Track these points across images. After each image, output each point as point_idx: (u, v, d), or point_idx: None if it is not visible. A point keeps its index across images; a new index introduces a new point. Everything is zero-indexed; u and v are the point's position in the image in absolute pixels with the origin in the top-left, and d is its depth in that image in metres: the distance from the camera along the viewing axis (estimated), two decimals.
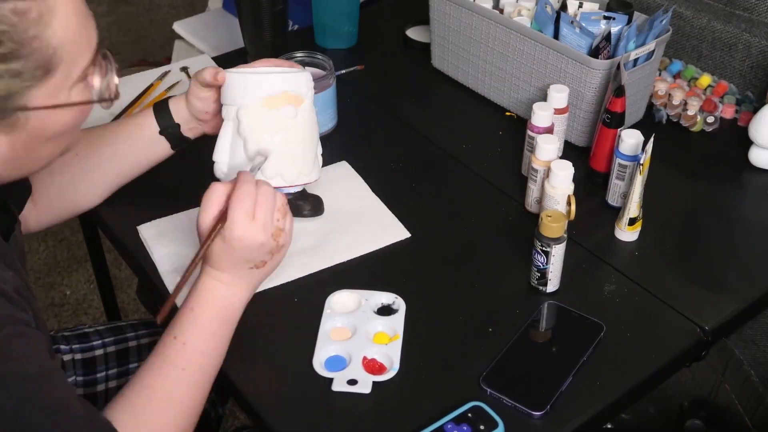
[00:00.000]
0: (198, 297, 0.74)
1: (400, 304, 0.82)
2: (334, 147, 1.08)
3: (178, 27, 1.68)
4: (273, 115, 0.82)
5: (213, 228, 0.72)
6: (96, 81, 0.64)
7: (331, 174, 0.99)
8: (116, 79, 0.66)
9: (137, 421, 0.67)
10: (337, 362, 0.77)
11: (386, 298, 0.83)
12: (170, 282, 0.86)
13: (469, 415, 0.71)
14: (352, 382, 0.75)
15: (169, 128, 0.90)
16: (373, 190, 1.00)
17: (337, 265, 0.88)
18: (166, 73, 1.20)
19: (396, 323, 0.80)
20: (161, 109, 0.90)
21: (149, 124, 0.90)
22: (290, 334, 0.81)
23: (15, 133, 0.59)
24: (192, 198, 0.82)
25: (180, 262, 0.87)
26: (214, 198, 0.73)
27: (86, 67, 0.62)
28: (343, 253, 0.89)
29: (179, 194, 0.95)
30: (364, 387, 0.74)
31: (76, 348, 0.96)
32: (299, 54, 1.08)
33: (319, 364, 0.77)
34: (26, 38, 0.56)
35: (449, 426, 0.70)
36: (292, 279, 0.86)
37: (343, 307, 0.82)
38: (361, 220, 0.94)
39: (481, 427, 0.70)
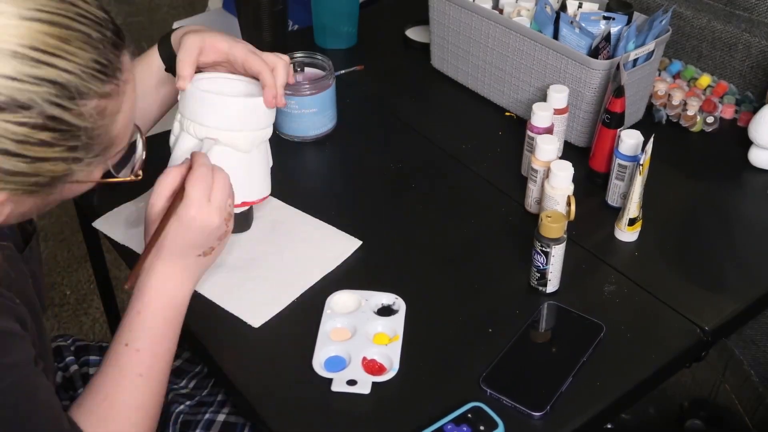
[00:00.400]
0: (143, 299, 0.73)
1: (400, 304, 0.82)
2: (334, 147, 1.09)
3: (178, 27, 1.68)
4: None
5: (170, 206, 0.72)
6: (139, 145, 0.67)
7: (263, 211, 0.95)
8: (143, 155, 0.69)
9: (104, 428, 0.68)
10: (336, 363, 0.77)
11: (386, 298, 0.83)
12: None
13: (469, 415, 0.71)
14: (352, 382, 0.74)
15: (173, 62, 0.84)
16: (373, 190, 1.00)
17: (337, 266, 0.88)
18: None
19: (396, 324, 0.80)
20: (164, 43, 0.87)
21: (155, 60, 0.87)
22: (290, 335, 0.81)
23: (45, 197, 0.61)
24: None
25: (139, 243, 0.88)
26: (167, 180, 0.73)
27: (122, 149, 0.65)
28: (305, 279, 0.86)
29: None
30: (364, 387, 0.74)
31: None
32: (299, 54, 1.08)
33: (318, 364, 0.76)
34: (97, 133, 0.59)
35: (449, 427, 0.70)
36: (273, 314, 0.82)
37: (343, 308, 0.82)
38: (312, 242, 0.91)
39: (481, 428, 0.70)
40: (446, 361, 0.78)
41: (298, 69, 1.08)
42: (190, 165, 0.74)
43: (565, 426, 0.72)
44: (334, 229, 0.92)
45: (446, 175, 1.03)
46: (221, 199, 0.73)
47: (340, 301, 0.83)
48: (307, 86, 1.03)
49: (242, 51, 0.82)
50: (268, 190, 0.87)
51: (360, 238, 0.91)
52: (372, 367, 0.76)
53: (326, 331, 0.80)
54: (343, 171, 1.06)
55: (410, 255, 0.90)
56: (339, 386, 0.74)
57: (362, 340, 0.78)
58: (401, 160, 1.06)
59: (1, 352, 0.59)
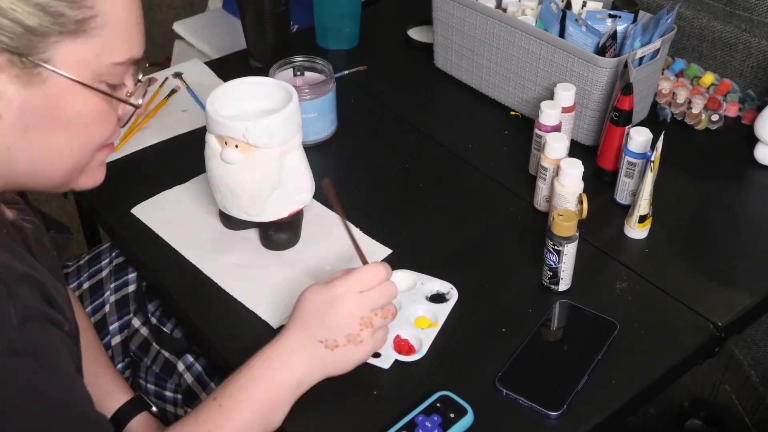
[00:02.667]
0: (252, 366, 0.71)
1: (453, 294, 0.83)
2: (339, 149, 1.08)
3: (178, 27, 1.67)
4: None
5: (360, 252, 0.75)
6: (128, 82, 0.63)
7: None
8: (140, 101, 0.65)
9: None
10: None
11: (442, 286, 0.84)
12: (189, 255, 0.89)
13: (438, 404, 0.71)
14: (376, 354, 0.76)
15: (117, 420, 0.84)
16: (381, 192, 1.00)
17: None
18: (165, 80, 1.19)
19: (440, 312, 0.81)
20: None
21: None
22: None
23: (31, 88, 0.57)
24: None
25: (183, 233, 0.91)
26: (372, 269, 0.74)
27: (118, 64, 0.61)
28: None
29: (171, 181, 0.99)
30: (385, 362, 0.75)
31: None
32: (298, 58, 1.07)
33: None
34: None
35: (420, 418, 0.70)
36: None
37: (398, 286, 0.82)
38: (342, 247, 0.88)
39: (451, 415, 0.70)
40: (460, 360, 0.77)
41: (298, 73, 1.07)
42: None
43: (583, 425, 0.72)
44: (365, 236, 0.91)
45: (453, 175, 1.03)
46: (371, 300, 0.72)
47: (398, 279, 0.84)
48: (307, 91, 1.03)
49: None
50: (309, 197, 0.89)
51: (366, 241, 0.90)
52: (402, 346, 0.77)
53: None
54: (349, 172, 1.06)
55: (419, 256, 0.89)
56: None
57: (403, 319, 0.79)
58: (407, 161, 1.05)
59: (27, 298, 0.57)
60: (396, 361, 0.76)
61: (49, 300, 0.60)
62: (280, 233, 0.89)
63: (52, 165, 0.62)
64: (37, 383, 0.55)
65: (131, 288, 0.96)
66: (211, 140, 0.84)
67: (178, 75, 1.19)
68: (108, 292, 0.97)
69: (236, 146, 0.81)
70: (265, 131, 0.81)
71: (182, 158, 1.01)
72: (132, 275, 0.97)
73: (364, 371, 0.75)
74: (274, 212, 0.86)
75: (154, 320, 0.95)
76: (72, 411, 0.59)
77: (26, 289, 0.57)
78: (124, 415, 0.83)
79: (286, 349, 0.71)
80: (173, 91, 1.16)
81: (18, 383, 0.54)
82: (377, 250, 0.89)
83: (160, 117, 1.11)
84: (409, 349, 0.77)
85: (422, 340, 0.78)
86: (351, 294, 0.71)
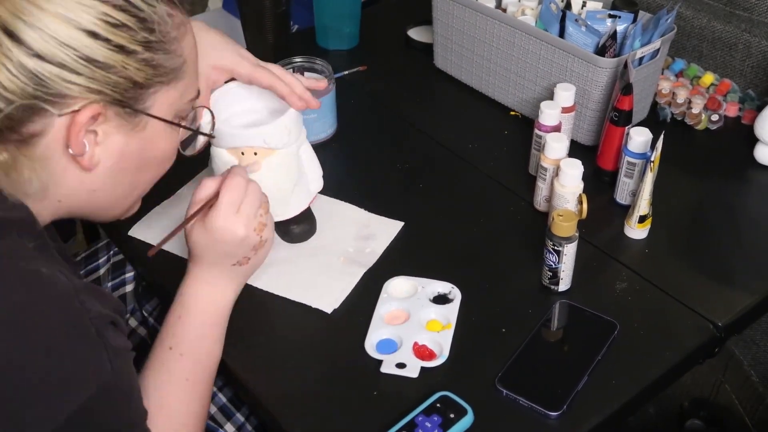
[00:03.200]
0: (184, 304, 0.74)
1: (456, 294, 0.83)
2: (339, 149, 1.08)
3: None
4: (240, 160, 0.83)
5: (205, 203, 0.74)
6: (206, 117, 0.70)
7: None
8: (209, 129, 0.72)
9: None
10: (388, 345, 0.78)
11: (443, 287, 0.84)
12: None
13: (438, 405, 0.71)
14: (401, 365, 0.76)
15: None
16: (380, 192, 1.00)
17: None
18: None
19: (450, 312, 0.81)
20: None
21: None
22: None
23: (132, 135, 0.62)
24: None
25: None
26: (202, 192, 0.75)
27: (193, 100, 0.67)
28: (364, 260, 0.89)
29: (172, 188, 0.97)
30: (413, 371, 0.75)
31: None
32: (298, 59, 1.07)
33: (370, 345, 0.78)
34: (170, 38, 0.62)
35: (420, 418, 0.70)
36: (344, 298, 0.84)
37: (400, 293, 0.84)
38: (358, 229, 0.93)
39: (451, 416, 0.70)
40: (460, 360, 0.77)
41: (298, 73, 1.07)
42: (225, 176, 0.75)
43: (583, 425, 0.72)
44: (373, 215, 0.94)
45: (453, 175, 1.03)
46: (250, 211, 0.74)
47: (398, 286, 0.84)
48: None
49: (247, 68, 0.83)
50: (321, 183, 0.90)
51: None
52: (422, 352, 0.77)
53: (381, 314, 0.81)
54: (349, 172, 1.06)
55: (419, 257, 0.89)
56: (388, 368, 0.75)
57: (415, 326, 0.80)
58: (407, 161, 1.05)
59: (113, 337, 0.60)
60: (422, 368, 0.76)
61: (117, 309, 0.62)
62: (302, 225, 0.90)
63: (126, 200, 0.68)
64: (129, 412, 0.62)
65: (129, 288, 0.97)
66: (221, 154, 0.82)
67: None
68: None
69: (255, 153, 0.81)
70: (284, 131, 0.82)
71: (180, 164, 1.00)
72: (129, 274, 0.97)
73: (365, 372, 0.75)
74: (297, 207, 0.87)
75: (151, 320, 0.95)
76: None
77: (110, 329, 0.60)
78: None
79: (210, 283, 0.75)
80: None
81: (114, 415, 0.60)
82: (390, 225, 0.93)
83: None
84: (430, 355, 0.77)
85: (440, 343, 0.78)
86: (231, 220, 0.73)
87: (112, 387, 0.58)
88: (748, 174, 1.03)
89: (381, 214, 0.96)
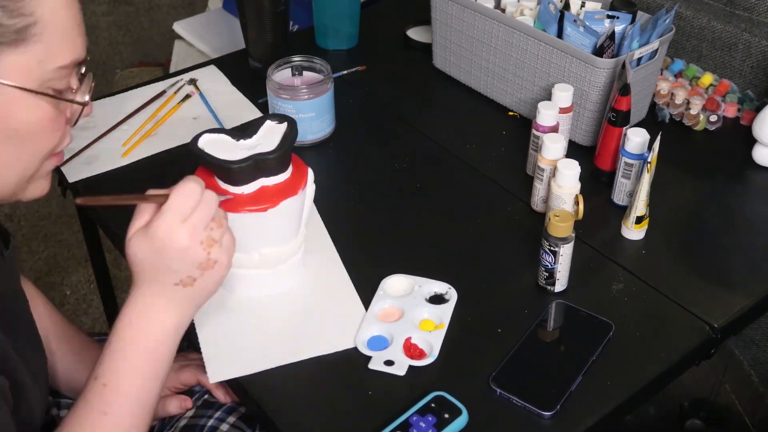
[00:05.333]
0: (116, 330, 0.66)
1: (452, 294, 0.83)
2: (336, 149, 1.08)
3: (178, 27, 1.68)
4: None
5: (154, 197, 0.66)
6: (73, 83, 0.61)
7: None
8: (87, 98, 0.63)
9: None
10: (379, 342, 0.79)
11: (440, 287, 0.84)
12: None
13: (432, 405, 0.71)
14: (389, 362, 0.76)
15: None
16: (378, 191, 1.00)
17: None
18: (176, 83, 1.19)
19: (444, 313, 0.81)
20: None
21: None
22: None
23: None
24: None
25: None
26: (188, 185, 0.66)
27: (62, 68, 0.59)
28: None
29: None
30: (400, 369, 0.75)
31: None
32: (297, 59, 1.08)
33: (361, 342, 0.78)
34: None
35: (414, 418, 0.70)
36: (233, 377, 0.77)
37: (396, 291, 0.84)
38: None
39: (446, 416, 0.70)
40: (455, 360, 0.77)
41: (296, 73, 1.07)
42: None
43: (576, 426, 0.72)
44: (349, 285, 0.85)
45: (451, 176, 1.03)
46: (199, 220, 0.65)
47: (395, 284, 0.84)
48: (305, 90, 1.03)
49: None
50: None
51: (364, 240, 0.91)
52: (412, 350, 0.77)
53: (374, 311, 0.81)
54: (346, 173, 1.06)
55: (416, 257, 0.89)
56: (376, 365, 0.76)
57: (408, 324, 0.80)
58: (405, 161, 1.05)
59: None
60: (410, 366, 0.76)
61: None
62: None
63: (7, 178, 0.61)
64: None
65: None
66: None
67: (192, 81, 1.19)
68: None
69: None
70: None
71: (187, 169, 0.99)
72: None
73: (355, 368, 0.75)
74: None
75: None
76: None
77: None
78: None
79: (146, 304, 0.66)
80: (187, 97, 1.16)
81: None
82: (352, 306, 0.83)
83: (171, 124, 1.10)
84: (420, 354, 0.77)
85: (431, 343, 0.78)
86: (175, 228, 0.64)
87: None
88: (746, 175, 1.03)
89: (379, 214, 0.96)
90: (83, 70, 0.63)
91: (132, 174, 1.02)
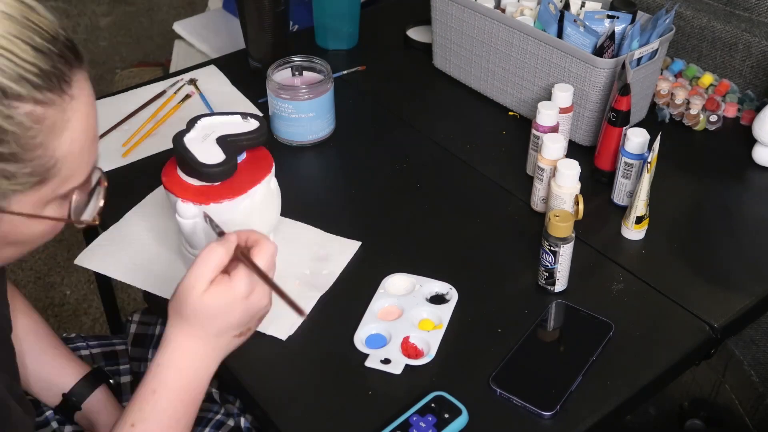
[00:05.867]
0: (161, 377, 0.65)
1: (453, 295, 0.83)
2: (337, 149, 1.08)
3: (178, 27, 1.68)
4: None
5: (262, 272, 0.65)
6: (76, 196, 0.60)
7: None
8: (101, 203, 0.62)
9: None
10: (377, 340, 0.79)
11: (440, 287, 0.84)
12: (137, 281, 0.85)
13: (432, 405, 0.72)
14: (386, 361, 0.76)
15: (73, 397, 0.83)
16: (378, 191, 1.00)
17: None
18: (176, 83, 1.19)
19: (444, 313, 0.81)
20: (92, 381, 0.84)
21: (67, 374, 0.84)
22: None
23: None
24: None
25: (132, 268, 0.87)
26: (213, 259, 0.65)
27: (76, 187, 0.59)
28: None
29: (119, 213, 0.95)
30: (396, 368, 0.75)
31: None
32: (297, 58, 1.08)
33: (359, 339, 0.78)
34: (32, 144, 0.53)
35: (414, 418, 0.70)
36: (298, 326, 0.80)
37: (397, 290, 0.84)
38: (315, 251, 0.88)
39: (446, 416, 0.71)
40: (455, 360, 0.77)
41: (296, 73, 1.07)
42: (240, 242, 0.67)
43: (576, 426, 0.72)
44: (331, 235, 0.91)
45: (451, 176, 1.03)
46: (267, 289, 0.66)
47: (396, 283, 0.84)
48: (305, 90, 1.03)
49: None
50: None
51: (364, 240, 0.90)
52: (410, 350, 0.78)
53: (374, 309, 0.81)
54: (346, 173, 1.06)
55: (416, 256, 0.89)
56: (373, 363, 0.76)
57: (406, 323, 0.80)
58: (405, 161, 1.05)
59: None
60: (407, 365, 0.76)
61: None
62: None
63: None
64: None
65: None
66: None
67: (192, 82, 1.19)
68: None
69: None
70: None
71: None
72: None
73: (352, 366, 0.76)
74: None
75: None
76: None
77: None
78: (82, 389, 0.82)
79: (210, 350, 0.66)
80: (187, 97, 1.16)
81: None
82: (347, 245, 0.89)
83: (171, 124, 1.10)
84: (417, 353, 0.77)
85: (429, 342, 0.78)
86: (262, 290, 0.66)
87: None
88: (746, 175, 1.03)
89: (379, 214, 0.96)
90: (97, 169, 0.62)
91: (132, 174, 1.02)
